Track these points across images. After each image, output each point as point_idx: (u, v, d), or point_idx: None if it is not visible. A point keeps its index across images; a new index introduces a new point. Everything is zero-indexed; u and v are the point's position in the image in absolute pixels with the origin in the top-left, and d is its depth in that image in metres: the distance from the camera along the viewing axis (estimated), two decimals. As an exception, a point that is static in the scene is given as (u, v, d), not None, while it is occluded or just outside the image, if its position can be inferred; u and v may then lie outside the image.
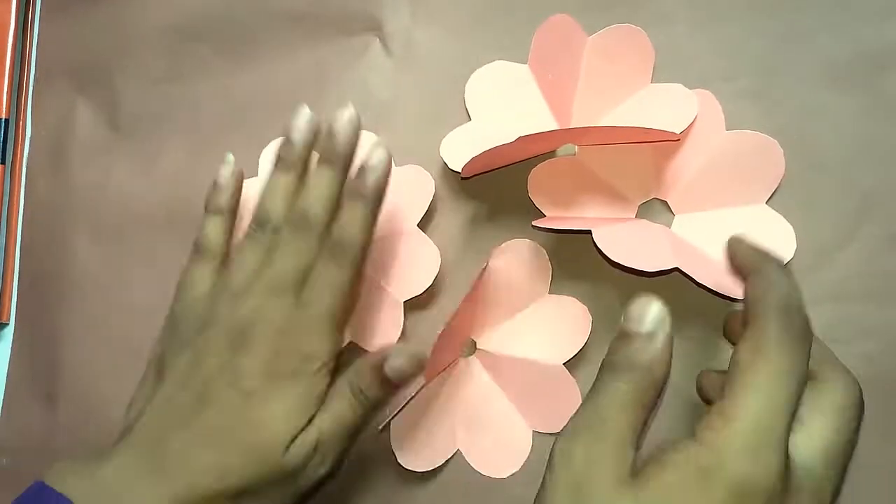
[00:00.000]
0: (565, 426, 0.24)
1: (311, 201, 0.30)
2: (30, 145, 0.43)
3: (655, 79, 0.34)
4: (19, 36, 0.44)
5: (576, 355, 0.32)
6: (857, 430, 0.24)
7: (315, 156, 0.32)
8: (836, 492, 0.23)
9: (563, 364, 0.32)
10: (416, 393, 0.32)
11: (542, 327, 0.33)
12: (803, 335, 0.23)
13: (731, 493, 0.21)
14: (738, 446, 0.21)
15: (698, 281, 0.29)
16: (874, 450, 0.29)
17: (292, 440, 0.28)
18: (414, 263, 0.34)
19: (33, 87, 0.44)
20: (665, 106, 0.33)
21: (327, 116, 0.38)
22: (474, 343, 0.34)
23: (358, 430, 0.30)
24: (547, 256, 0.33)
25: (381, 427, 0.32)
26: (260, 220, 0.31)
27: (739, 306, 0.27)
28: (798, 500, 0.22)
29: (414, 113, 0.37)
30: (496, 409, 0.33)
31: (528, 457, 0.33)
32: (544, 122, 0.35)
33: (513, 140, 0.30)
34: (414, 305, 0.34)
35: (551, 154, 0.34)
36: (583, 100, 0.34)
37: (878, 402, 0.29)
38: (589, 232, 0.30)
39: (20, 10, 0.43)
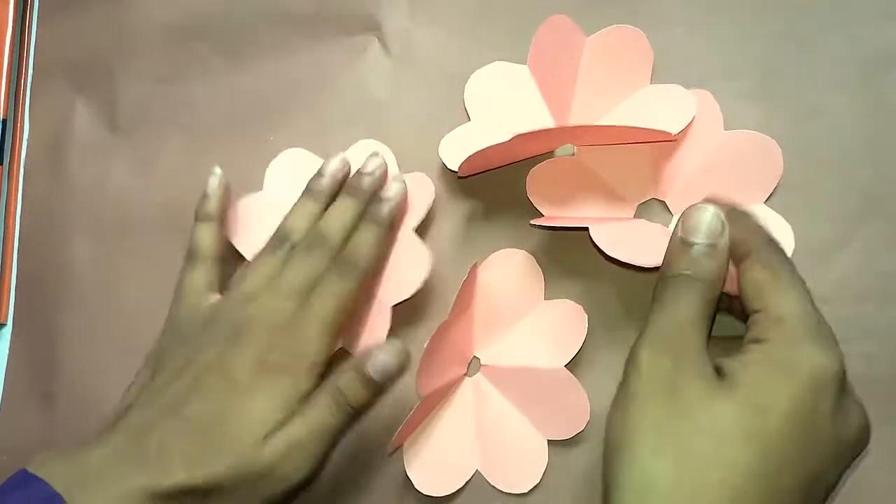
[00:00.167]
0: (642, 336, 0.25)
1: (330, 224, 0.32)
2: (28, 145, 0.43)
3: (656, 79, 0.34)
4: (17, 35, 0.43)
5: (576, 356, 0.32)
6: None
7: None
8: None
9: (566, 366, 0.32)
10: (421, 413, 0.31)
11: (541, 333, 0.33)
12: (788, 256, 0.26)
13: (811, 378, 0.23)
14: (803, 337, 0.24)
15: None
16: (874, 449, 0.29)
17: (269, 434, 0.28)
18: (404, 267, 0.33)
19: (31, 86, 0.44)
20: (663, 106, 0.33)
21: (330, 117, 0.38)
22: (478, 360, 0.33)
23: (338, 434, 0.29)
24: (537, 264, 0.33)
25: (389, 452, 0.32)
26: (280, 237, 0.33)
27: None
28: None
29: (413, 112, 0.37)
30: (509, 424, 0.32)
31: (546, 468, 0.32)
32: (543, 122, 0.35)
33: (509, 138, 0.30)
34: (410, 310, 0.34)
35: (549, 154, 0.34)
36: (581, 100, 0.34)
37: (877, 401, 0.29)
38: (586, 229, 0.30)
39: (18, 9, 0.43)
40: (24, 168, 0.43)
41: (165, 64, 0.41)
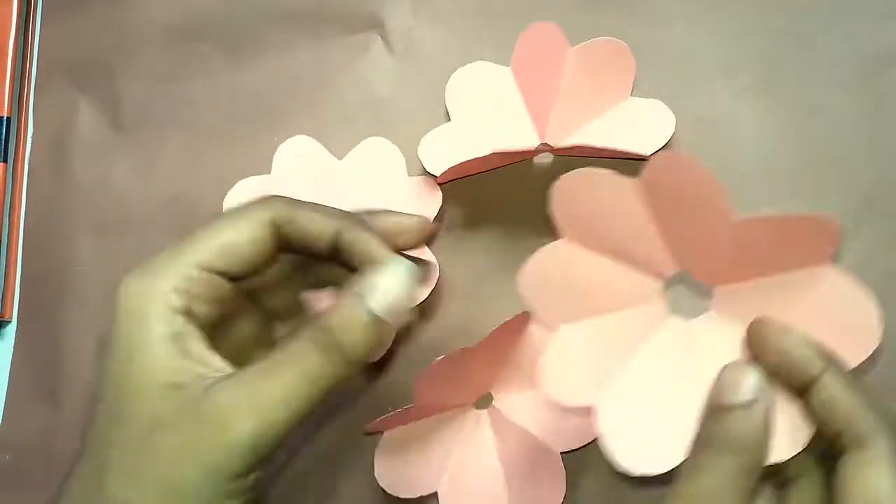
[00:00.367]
0: None
1: None
2: (31, 144, 0.43)
3: (656, 77, 0.34)
4: (21, 34, 0.44)
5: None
6: None
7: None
8: None
9: None
10: (413, 413, 0.30)
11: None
12: None
13: None
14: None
15: None
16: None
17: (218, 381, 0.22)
18: None
19: (34, 85, 0.44)
20: (642, 122, 0.32)
21: (332, 115, 0.38)
22: (491, 398, 0.32)
23: (320, 394, 0.22)
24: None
25: (366, 431, 0.32)
26: None
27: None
28: None
29: (415, 110, 0.37)
30: (485, 471, 0.31)
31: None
32: (522, 126, 0.35)
33: (486, 154, 0.31)
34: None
35: (527, 161, 0.34)
36: (561, 108, 0.34)
37: (878, 400, 0.29)
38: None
39: (21, 8, 0.43)
40: (28, 167, 0.43)
41: (167, 63, 0.41)
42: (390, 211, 0.25)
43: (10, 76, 0.43)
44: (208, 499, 0.21)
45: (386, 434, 0.32)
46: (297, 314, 0.27)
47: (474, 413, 0.32)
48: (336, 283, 0.26)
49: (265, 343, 0.26)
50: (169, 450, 0.21)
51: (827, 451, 0.22)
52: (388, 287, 0.22)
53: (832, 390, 0.21)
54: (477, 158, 0.31)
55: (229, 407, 0.21)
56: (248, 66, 0.40)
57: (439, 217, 0.34)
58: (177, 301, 0.22)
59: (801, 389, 0.22)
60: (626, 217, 0.24)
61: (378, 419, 0.30)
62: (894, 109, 0.31)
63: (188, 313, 0.22)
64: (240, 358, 0.23)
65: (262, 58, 0.40)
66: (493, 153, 0.31)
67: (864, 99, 0.32)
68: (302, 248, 0.24)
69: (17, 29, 0.43)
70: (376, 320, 0.21)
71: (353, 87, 0.38)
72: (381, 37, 0.38)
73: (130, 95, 0.42)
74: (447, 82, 0.36)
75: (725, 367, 0.22)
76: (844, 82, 0.32)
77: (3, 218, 0.42)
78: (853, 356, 0.23)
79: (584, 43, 0.34)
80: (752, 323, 0.23)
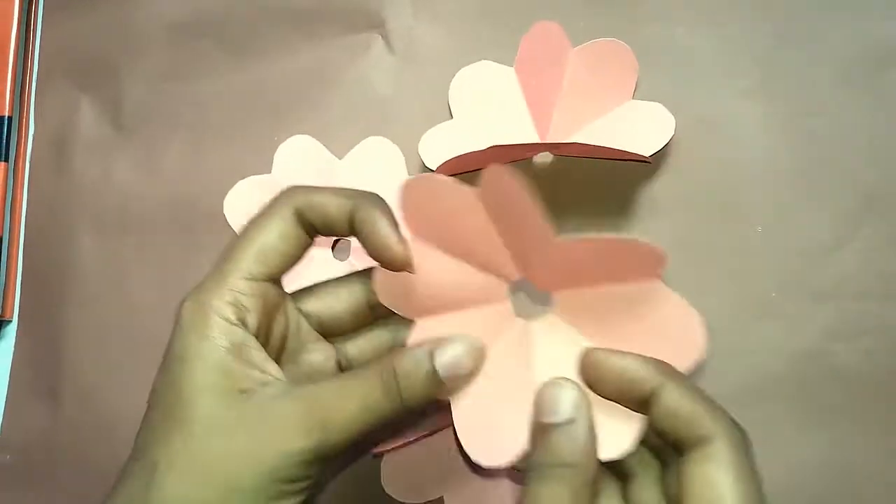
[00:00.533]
0: None
1: None
2: (33, 143, 0.44)
3: (657, 77, 0.34)
4: (22, 33, 0.44)
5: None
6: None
7: None
8: None
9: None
10: (425, 434, 0.30)
11: None
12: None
13: None
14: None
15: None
16: (875, 446, 0.29)
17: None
18: None
19: (36, 84, 0.44)
20: (643, 124, 0.32)
21: (333, 114, 0.38)
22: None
23: (372, 426, 0.23)
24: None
25: (374, 453, 0.32)
26: None
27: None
28: None
29: (416, 110, 0.37)
30: (492, 478, 0.31)
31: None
32: (524, 126, 0.35)
33: (486, 147, 0.31)
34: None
35: (527, 161, 0.34)
36: (564, 108, 0.34)
37: (878, 400, 0.29)
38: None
39: (23, 7, 0.44)
40: (30, 166, 0.43)
41: (169, 62, 0.41)
42: (385, 223, 0.24)
43: (12, 75, 0.43)
44: (266, 498, 0.22)
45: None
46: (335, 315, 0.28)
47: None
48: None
49: (305, 344, 0.27)
50: (229, 451, 0.22)
51: (668, 449, 0.23)
52: (457, 355, 0.23)
53: (671, 400, 0.22)
54: (476, 153, 0.31)
55: (294, 419, 0.22)
56: (250, 66, 0.40)
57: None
58: (232, 314, 0.23)
59: (642, 405, 0.22)
60: (471, 224, 0.24)
61: (387, 446, 0.30)
62: (894, 110, 0.31)
63: (244, 324, 0.24)
64: (281, 358, 0.25)
65: (263, 57, 0.40)
66: (493, 147, 0.31)
67: (864, 100, 0.32)
68: (326, 230, 0.25)
69: (18, 28, 0.43)
70: (437, 379, 0.23)
71: (353, 87, 0.38)
72: (382, 36, 0.38)
73: (131, 95, 0.42)
74: (448, 82, 0.36)
75: (544, 386, 0.22)
76: (844, 83, 0.32)
77: (4, 217, 0.42)
78: (678, 367, 0.23)
79: (586, 43, 0.34)
80: (584, 352, 0.23)
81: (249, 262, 0.24)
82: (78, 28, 0.43)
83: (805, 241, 0.31)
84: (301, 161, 0.37)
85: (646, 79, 0.34)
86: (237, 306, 0.23)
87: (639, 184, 0.33)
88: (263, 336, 0.25)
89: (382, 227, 0.24)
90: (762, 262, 0.31)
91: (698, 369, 0.24)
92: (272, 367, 0.24)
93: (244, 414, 0.22)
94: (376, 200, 0.24)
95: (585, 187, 0.34)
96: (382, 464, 0.32)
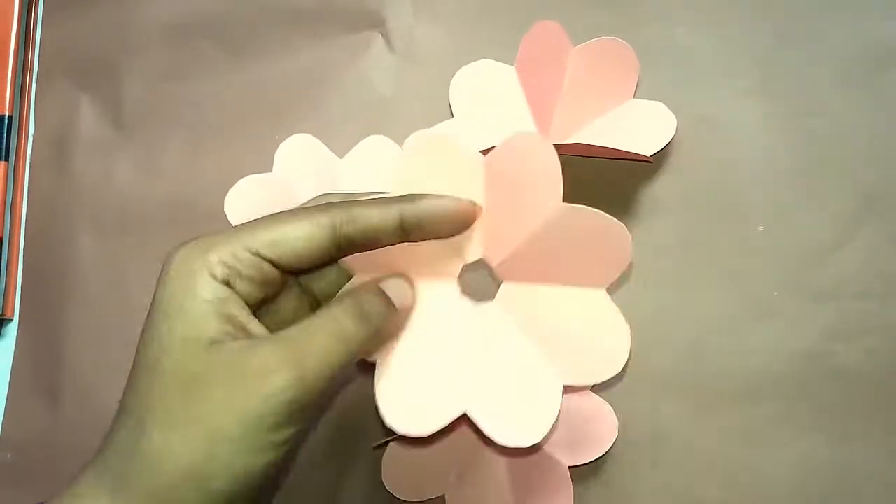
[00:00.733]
0: None
1: None
2: (33, 142, 0.44)
3: (658, 77, 0.34)
4: (22, 32, 0.44)
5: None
6: None
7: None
8: None
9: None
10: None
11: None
12: None
13: None
14: None
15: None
16: (876, 446, 0.29)
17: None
18: None
19: (36, 83, 0.44)
20: (644, 123, 0.33)
21: (333, 113, 0.38)
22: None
23: (353, 355, 0.24)
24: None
25: (375, 445, 0.32)
26: None
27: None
28: None
29: (416, 109, 0.37)
30: (493, 478, 0.31)
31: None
32: (525, 125, 0.35)
33: (487, 148, 0.30)
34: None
35: None
36: (564, 108, 0.34)
37: (878, 399, 0.29)
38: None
39: (23, 6, 0.43)
40: (30, 165, 0.43)
41: (169, 62, 0.41)
42: (433, 195, 0.25)
43: (12, 74, 0.43)
44: (248, 448, 0.22)
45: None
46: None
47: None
48: None
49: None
50: (211, 401, 0.22)
51: None
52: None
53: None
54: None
55: (269, 361, 0.22)
56: (250, 65, 0.40)
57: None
58: (221, 272, 0.23)
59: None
60: (462, 189, 0.25)
61: (386, 440, 0.31)
62: (894, 110, 0.31)
63: (230, 285, 0.24)
64: (280, 329, 0.25)
65: (263, 57, 0.40)
66: (494, 147, 0.31)
67: (864, 99, 0.32)
68: (370, 242, 0.25)
69: (18, 27, 0.43)
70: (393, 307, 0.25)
71: (354, 86, 0.38)
72: (382, 35, 0.38)
73: (132, 94, 0.42)
74: (448, 81, 0.36)
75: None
76: (845, 83, 0.32)
77: (4, 217, 0.42)
78: (598, 374, 0.25)
79: (587, 42, 0.34)
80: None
81: (261, 241, 0.24)
82: (78, 28, 0.43)
83: (806, 240, 0.31)
84: (302, 160, 0.37)
85: (646, 78, 0.34)
86: (230, 268, 0.23)
87: (640, 183, 0.33)
88: (259, 305, 0.25)
89: (440, 208, 0.25)
90: (763, 261, 0.31)
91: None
92: (255, 325, 0.24)
93: (225, 363, 0.22)
94: (414, 195, 0.25)
95: (586, 187, 0.34)
96: (383, 461, 0.32)
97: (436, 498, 0.32)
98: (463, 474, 0.32)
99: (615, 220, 0.25)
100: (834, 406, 0.30)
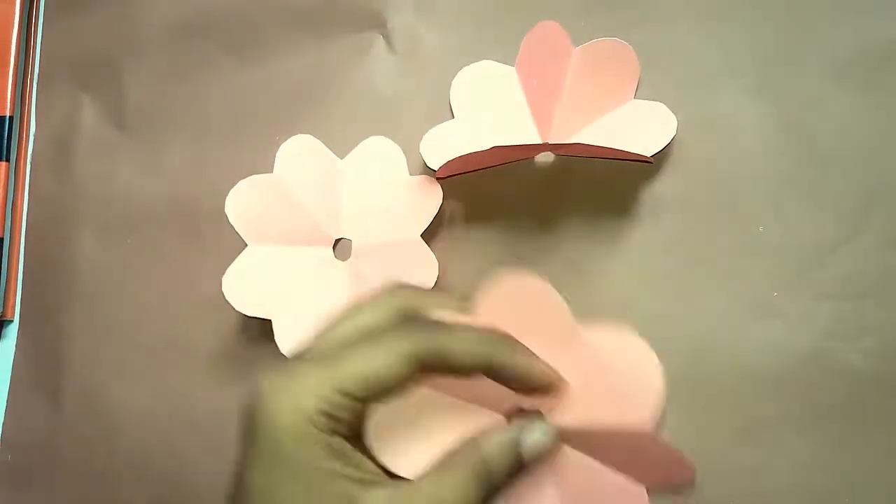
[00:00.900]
0: None
1: None
2: (34, 142, 0.44)
3: (658, 77, 0.34)
4: (23, 33, 0.44)
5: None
6: None
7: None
8: None
9: None
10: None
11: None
12: None
13: None
14: None
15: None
16: (876, 446, 0.29)
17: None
18: (411, 274, 0.33)
19: (37, 84, 0.44)
20: (645, 124, 0.33)
21: (335, 113, 0.38)
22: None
23: None
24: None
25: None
26: None
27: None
28: None
29: (418, 109, 0.37)
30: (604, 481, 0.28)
31: None
32: (525, 125, 0.35)
33: (488, 148, 0.31)
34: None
35: (529, 161, 0.34)
36: (565, 108, 0.34)
37: (878, 399, 0.29)
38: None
39: (24, 7, 0.44)
40: (31, 165, 0.43)
41: (171, 62, 0.42)
42: (527, 352, 0.25)
43: (13, 75, 0.43)
44: None
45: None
46: None
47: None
48: None
49: None
50: None
51: None
52: (539, 440, 0.25)
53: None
54: (478, 153, 0.31)
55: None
56: (252, 66, 0.40)
57: (439, 215, 0.35)
58: (321, 421, 0.23)
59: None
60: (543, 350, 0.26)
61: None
62: (894, 110, 0.31)
63: (337, 433, 0.24)
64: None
65: (265, 57, 0.40)
66: (495, 147, 0.31)
67: (865, 99, 0.32)
68: (450, 374, 0.25)
69: (19, 27, 0.43)
70: (522, 460, 0.25)
71: (355, 87, 0.38)
72: (384, 36, 0.38)
73: (133, 95, 0.42)
74: (449, 81, 0.36)
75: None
76: (846, 83, 0.32)
77: (5, 217, 0.42)
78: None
79: (588, 43, 0.34)
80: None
81: (351, 382, 0.24)
82: (79, 28, 0.44)
83: (806, 240, 0.31)
84: (303, 161, 0.37)
85: (647, 78, 0.34)
86: (331, 417, 0.23)
87: (640, 183, 0.33)
88: (353, 441, 0.25)
89: (528, 373, 0.25)
90: (763, 261, 0.31)
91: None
92: (369, 464, 0.24)
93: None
94: (509, 343, 0.25)
95: (587, 187, 0.34)
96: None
97: None
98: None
99: (686, 459, 0.24)
100: (833, 406, 0.30)
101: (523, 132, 0.35)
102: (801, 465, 0.30)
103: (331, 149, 0.37)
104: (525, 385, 0.25)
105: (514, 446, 0.24)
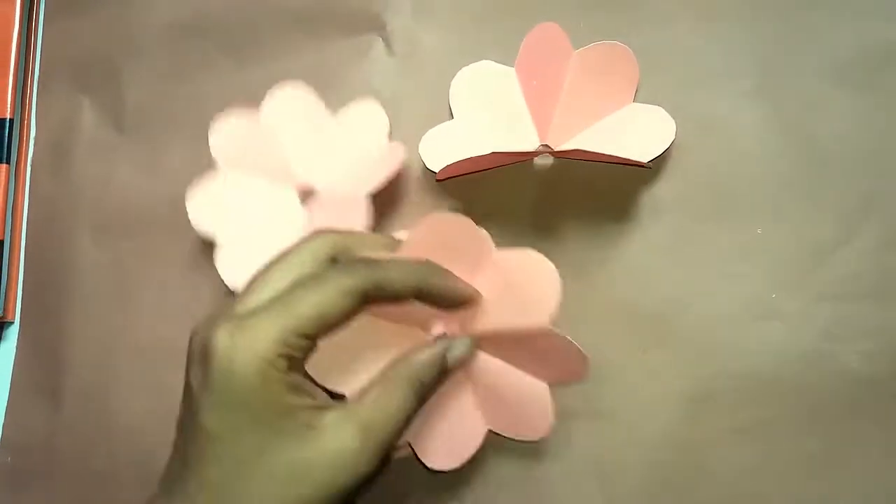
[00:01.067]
0: None
1: None
2: (34, 144, 0.44)
3: (658, 77, 0.34)
4: (23, 35, 0.44)
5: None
6: None
7: None
8: None
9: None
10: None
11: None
12: None
13: None
14: None
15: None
16: (875, 447, 0.29)
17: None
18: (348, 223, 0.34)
19: (37, 86, 0.44)
20: (644, 127, 0.33)
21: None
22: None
23: (408, 424, 0.28)
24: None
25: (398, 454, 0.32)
26: None
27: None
28: None
29: (416, 112, 0.37)
30: (460, 412, 0.31)
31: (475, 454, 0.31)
32: (524, 127, 0.35)
33: (486, 153, 0.31)
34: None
35: (528, 162, 0.35)
36: (564, 110, 0.34)
37: (877, 400, 0.29)
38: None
39: (24, 8, 0.44)
40: (31, 167, 0.43)
41: (171, 63, 0.42)
42: (451, 276, 0.29)
43: (13, 77, 0.43)
44: None
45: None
46: None
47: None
48: None
49: None
50: (286, 468, 0.25)
51: None
52: (462, 352, 0.29)
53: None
54: (477, 157, 0.31)
55: (360, 451, 0.25)
56: (251, 67, 0.40)
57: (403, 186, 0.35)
58: (281, 363, 0.25)
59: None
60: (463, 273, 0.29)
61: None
62: (894, 110, 0.31)
63: (295, 369, 0.26)
64: None
65: (264, 59, 0.40)
66: (493, 153, 0.31)
67: (863, 101, 0.32)
68: (386, 302, 0.27)
69: (19, 29, 0.43)
70: (447, 373, 0.29)
71: (354, 88, 0.38)
72: (383, 38, 0.38)
73: (133, 96, 0.42)
74: (448, 83, 0.36)
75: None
76: (844, 84, 0.32)
77: (5, 219, 0.42)
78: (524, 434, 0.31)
79: (588, 46, 0.34)
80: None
81: (305, 323, 0.25)
82: (79, 30, 0.44)
83: (805, 242, 0.31)
84: (292, 104, 0.37)
85: (646, 80, 0.34)
86: (289, 358, 0.25)
87: (639, 185, 0.33)
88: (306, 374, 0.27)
89: (451, 290, 0.28)
90: (762, 263, 0.31)
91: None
92: (320, 392, 0.27)
93: (320, 452, 0.25)
94: (436, 269, 0.28)
95: (586, 189, 0.34)
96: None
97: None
98: (427, 418, 0.32)
99: (581, 350, 0.28)
100: (832, 407, 0.30)
101: (522, 133, 0.35)
102: (799, 466, 0.30)
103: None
104: (450, 303, 0.28)
105: (441, 360, 0.28)
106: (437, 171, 0.33)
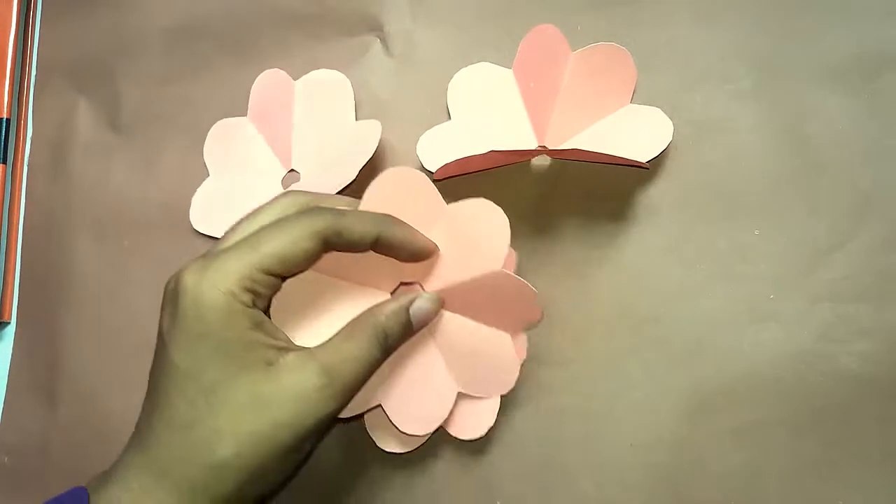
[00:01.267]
0: None
1: None
2: (31, 145, 0.44)
3: (657, 78, 0.34)
4: (20, 35, 0.44)
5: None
6: None
7: None
8: None
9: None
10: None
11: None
12: None
13: None
14: None
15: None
16: (873, 448, 0.29)
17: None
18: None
19: (34, 86, 0.44)
20: (641, 128, 0.33)
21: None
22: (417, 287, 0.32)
23: (370, 375, 0.29)
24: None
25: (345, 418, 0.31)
26: None
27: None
28: None
29: (414, 113, 0.37)
30: (430, 374, 0.32)
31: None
32: (522, 128, 0.35)
33: (484, 152, 0.31)
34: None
35: (525, 163, 0.35)
36: (561, 112, 0.34)
37: (875, 401, 0.29)
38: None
39: (21, 9, 0.44)
40: (28, 168, 0.43)
41: (168, 64, 0.42)
42: (408, 227, 0.30)
43: (10, 77, 0.43)
44: (284, 444, 0.26)
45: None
46: None
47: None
48: None
49: None
50: (248, 402, 0.26)
51: None
52: (425, 306, 0.30)
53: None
54: (475, 156, 0.32)
55: (322, 391, 0.26)
56: (248, 68, 0.40)
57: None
58: (249, 300, 0.27)
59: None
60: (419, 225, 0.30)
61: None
62: (892, 111, 0.31)
63: (258, 307, 0.27)
64: None
65: (262, 59, 0.40)
66: (491, 152, 0.31)
67: (862, 100, 0.32)
68: (345, 249, 0.28)
69: (16, 30, 0.43)
70: (411, 327, 0.30)
71: (352, 89, 0.38)
72: (380, 39, 0.38)
73: (130, 97, 0.42)
74: (446, 84, 0.36)
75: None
76: (843, 84, 0.32)
77: (2, 219, 0.42)
78: (491, 391, 0.32)
79: (586, 47, 0.34)
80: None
81: (270, 260, 0.27)
82: (76, 30, 0.44)
83: (802, 243, 0.31)
84: (268, 93, 0.39)
85: (644, 81, 0.34)
86: (251, 291, 0.27)
87: (636, 186, 0.33)
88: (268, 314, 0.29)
89: (409, 241, 0.29)
90: (759, 264, 0.31)
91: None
92: (282, 334, 0.28)
93: (282, 387, 0.26)
94: (394, 220, 0.29)
95: (583, 190, 0.34)
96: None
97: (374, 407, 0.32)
98: (397, 380, 0.32)
99: (530, 287, 0.29)
100: (829, 408, 0.30)
101: (520, 134, 0.35)
102: (797, 467, 0.30)
103: None
104: (407, 253, 0.29)
105: (405, 312, 0.29)
106: (433, 170, 0.33)
